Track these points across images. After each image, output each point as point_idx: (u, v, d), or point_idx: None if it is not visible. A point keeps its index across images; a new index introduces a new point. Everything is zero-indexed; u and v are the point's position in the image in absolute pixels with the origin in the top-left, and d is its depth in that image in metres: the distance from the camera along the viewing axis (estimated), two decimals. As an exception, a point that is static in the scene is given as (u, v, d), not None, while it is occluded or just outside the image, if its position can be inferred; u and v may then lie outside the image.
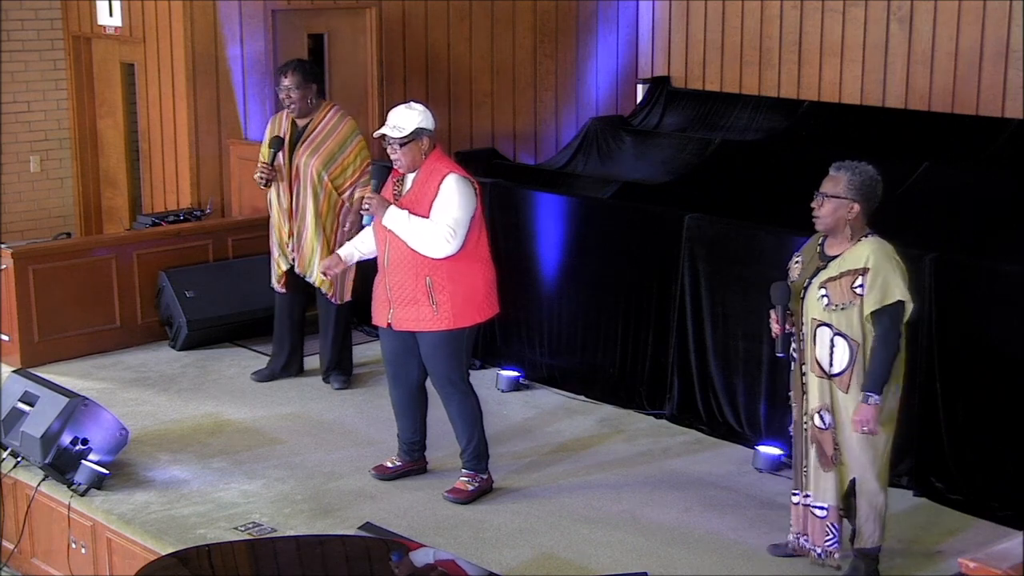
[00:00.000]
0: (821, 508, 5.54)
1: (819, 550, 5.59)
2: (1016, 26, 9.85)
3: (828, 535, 5.55)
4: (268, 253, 7.89)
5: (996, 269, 6.36)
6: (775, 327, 5.50)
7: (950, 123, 10.12)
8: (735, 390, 7.10)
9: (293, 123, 7.64)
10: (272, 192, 7.69)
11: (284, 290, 7.82)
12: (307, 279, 7.71)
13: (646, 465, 6.83)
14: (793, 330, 5.51)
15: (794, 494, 5.68)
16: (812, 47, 11.04)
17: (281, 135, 7.62)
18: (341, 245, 7.21)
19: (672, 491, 6.50)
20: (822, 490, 5.53)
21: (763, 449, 6.73)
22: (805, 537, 5.64)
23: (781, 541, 5.82)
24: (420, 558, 5.07)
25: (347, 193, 7.60)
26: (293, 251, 7.66)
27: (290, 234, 7.64)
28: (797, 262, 5.59)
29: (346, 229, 7.59)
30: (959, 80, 10.21)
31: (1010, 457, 6.13)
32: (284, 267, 7.73)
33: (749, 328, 6.90)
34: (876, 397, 5.28)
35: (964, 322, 6.28)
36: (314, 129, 7.60)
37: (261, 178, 7.63)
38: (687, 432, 7.23)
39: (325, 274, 6.47)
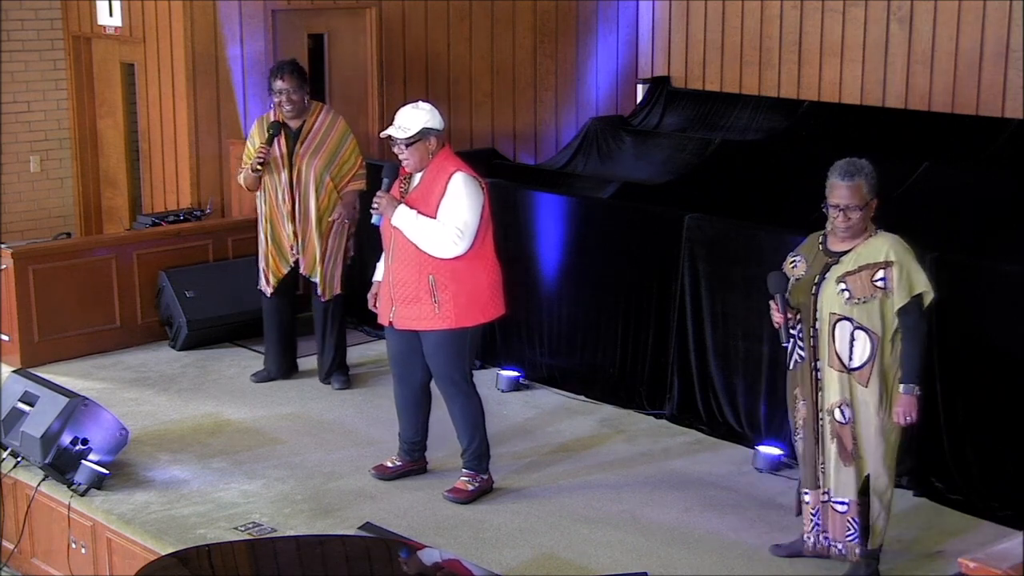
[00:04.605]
0: (842, 503, 5.54)
1: (840, 545, 5.58)
2: (1016, 26, 9.85)
3: (849, 530, 5.55)
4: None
5: (996, 269, 6.36)
6: (776, 316, 5.48)
7: (950, 123, 10.11)
8: (735, 390, 7.10)
9: (285, 125, 7.61)
10: (264, 195, 7.66)
11: (271, 294, 7.81)
12: (311, 279, 7.72)
13: (646, 465, 6.83)
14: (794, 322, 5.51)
15: (805, 493, 5.65)
16: (812, 47, 11.03)
17: (279, 120, 7.59)
18: (331, 236, 7.57)
19: (672, 491, 6.50)
20: (843, 485, 5.52)
21: (763, 449, 6.73)
22: (826, 535, 5.62)
23: (783, 541, 5.82)
24: (425, 557, 5.07)
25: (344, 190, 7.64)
26: (296, 253, 7.66)
27: (295, 236, 7.64)
28: (794, 263, 5.57)
29: (332, 218, 7.60)
30: (959, 80, 10.20)
31: (1010, 457, 6.13)
32: (286, 270, 7.73)
33: (749, 328, 6.90)
34: (914, 385, 5.34)
35: (964, 322, 6.28)
36: (310, 130, 7.58)
37: (259, 159, 7.48)
38: (687, 432, 7.23)
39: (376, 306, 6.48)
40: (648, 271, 7.51)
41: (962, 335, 6.28)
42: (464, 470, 6.42)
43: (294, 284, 7.90)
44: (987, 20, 10.00)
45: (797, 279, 5.54)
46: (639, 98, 11.99)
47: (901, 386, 5.36)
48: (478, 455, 6.40)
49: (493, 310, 6.36)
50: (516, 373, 7.95)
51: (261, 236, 7.75)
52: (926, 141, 9.93)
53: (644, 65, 12.11)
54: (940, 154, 9.57)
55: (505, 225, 7.98)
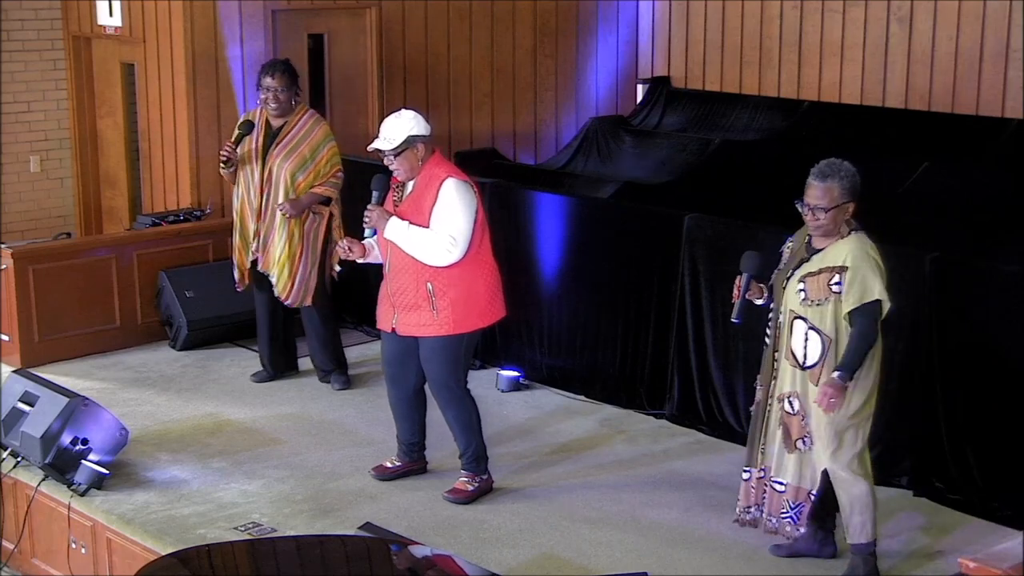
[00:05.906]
0: (780, 483, 5.62)
1: (774, 520, 5.65)
2: (1016, 26, 9.85)
3: (784, 509, 5.62)
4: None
5: (996, 269, 6.36)
6: (735, 291, 5.59)
7: (950, 123, 10.12)
8: (735, 390, 7.10)
9: (267, 123, 7.62)
10: (239, 190, 7.69)
11: (241, 288, 7.83)
12: (270, 278, 7.69)
13: (646, 466, 6.83)
14: (756, 300, 5.61)
15: (745, 471, 5.74)
16: (812, 47, 11.04)
17: (254, 121, 7.59)
18: (303, 243, 7.55)
19: (672, 491, 6.50)
20: (783, 468, 5.60)
21: (763, 449, 6.73)
22: (759, 507, 5.69)
23: (782, 541, 5.82)
24: (417, 553, 5.07)
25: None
26: (257, 250, 7.65)
27: (255, 234, 7.63)
28: (788, 247, 5.67)
29: (276, 206, 7.54)
30: (959, 80, 10.20)
31: (1010, 457, 6.13)
32: (248, 263, 7.73)
33: (749, 328, 6.89)
34: (845, 374, 5.28)
35: (964, 322, 6.28)
36: (288, 132, 7.58)
37: (222, 155, 7.59)
38: (687, 432, 7.23)
39: (351, 250, 6.39)
40: (648, 271, 7.51)
41: (961, 335, 6.28)
42: (463, 471, 6.42)
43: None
44: (987, 20, 10.00)
45: (779, 268, 5.61)
46: (639, 98, 12.00)
47: (835, 373, 5.28)
48: (476, 457, 6.40)
49: (492, 314, 6.35)
50: (516, 373, 7.95)
51: (234, 230, 7.78)
52: (926, 141, 9.93)
53: (644, 65, 12.12)
54: (940, 154, 9.57)
55: (505, 226, 7.99)
